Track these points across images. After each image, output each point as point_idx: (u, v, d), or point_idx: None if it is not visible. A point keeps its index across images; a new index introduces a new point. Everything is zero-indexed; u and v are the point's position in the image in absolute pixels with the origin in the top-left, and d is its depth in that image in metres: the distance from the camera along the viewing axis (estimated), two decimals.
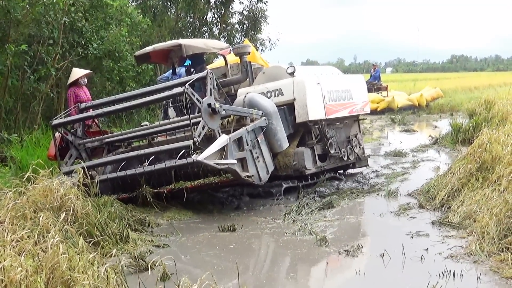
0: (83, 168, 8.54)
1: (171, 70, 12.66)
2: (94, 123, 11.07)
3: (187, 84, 8.75)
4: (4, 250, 5.09)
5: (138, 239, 7.80)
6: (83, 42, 16.82)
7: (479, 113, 18.46)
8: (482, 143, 9.49)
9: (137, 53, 12.68)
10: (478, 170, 9.02)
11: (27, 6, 14.53)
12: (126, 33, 18.28)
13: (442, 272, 6.05)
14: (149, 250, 7.39)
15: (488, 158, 9.01)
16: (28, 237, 5.72)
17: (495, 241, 6.65)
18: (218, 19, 27.29)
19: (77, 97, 11.76)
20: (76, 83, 11.92)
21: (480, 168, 9.05)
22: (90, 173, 8.69)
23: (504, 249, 6.46)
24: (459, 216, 7.98)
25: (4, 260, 4.79)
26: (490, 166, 8.84)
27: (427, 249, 6.94)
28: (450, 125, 17.20)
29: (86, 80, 12.17)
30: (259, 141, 9.51)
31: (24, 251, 5.26)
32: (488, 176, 8.60)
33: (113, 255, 6.30)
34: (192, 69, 11.94)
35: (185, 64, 12.29)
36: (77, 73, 12.13)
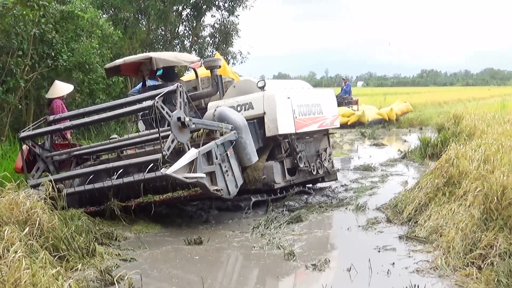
0: (50, 181, 8.47)
1: (141, 83, 12.63)
2: (63, 136, 10.98)
3: (157, 98, 8.73)
4: None
5: (105, 253, 7.71)
6: (53, 54, 16.67)
7: (448, 128, 18.67)
8: (450, 158, 9.57)
9: (108, 65, 12.58)
10: (445, 185, 9.09)
11: None
12: (97, 45, 18.18)
13: (407, 287, 6.08)
14: (116, 264, 7.30)
15: (455, 173, 9.08)
16: None
17: (460, 256, 6.69)
18: (190, 32, 27.26)
19: (63, 109, 11.77)
20: (59, 96, 11.96)
21: (447, 183, 9.12)
22: (57, 186, 8.60)
23: (470, 263, 6.50)
24: (426, 231, 8.03)
25: None
26: (457, 181, 8.90)
27: (394, 263, 6.97)
28: (419, 140, 17.34)
29: (65, 95, 12.22)
30: (229, 155, 9.48)
31: None
32: (455, 191, 8.66)
33: (78, 269, 6.25)
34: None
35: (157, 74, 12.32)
36: (61, 88, 12.13)
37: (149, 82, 12.53)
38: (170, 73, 12.24)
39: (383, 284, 6.33)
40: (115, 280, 6.30)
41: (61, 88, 12.15)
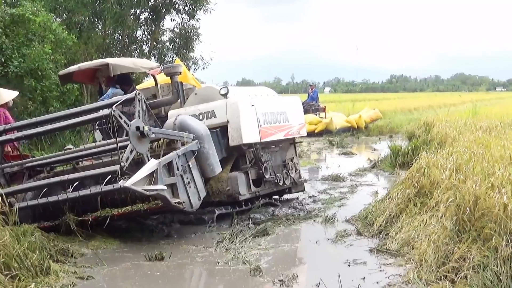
0: (1, 195, 8.37)
1: (111, 87, 12.64)
2: (14, 147, 10.85)
3: (114, 106, 8.68)
4: None
5: (60, 270, 7.61)
6: (3, 60, 16.55)
7: (418, 136, 18.93)
8: (421, 167, 9.67)
9: (61, 72, 12.51)
10: (417, 195, 9.19)
11: None
12: (50, 51, 18.06)
13: None
14: (72, 282, 7.23)
15: (426, 183, 9.18)
16: None
17: (433, 269, 6.73)
18: (148, 37, 27.27)
19: (7, 118, 11.57)
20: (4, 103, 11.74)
21: (418, 193, 9.21)
22: (8, 200, 8.56)
23: (443, 277, 6.53)
24: (397, 243, 8.09)
25: None
26: (428, 191, 8.99)
27: (364, 278, 7.01)
28: (389, 148, 17.51)
29: (9, 102, 11.98)
30: (191, 166, 9.47)
31: None
32: (426, 202, 8.75)
33: None
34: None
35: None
36: (9, 94, 11.93)
37: (110, 91, 12.50)
38: (127, 81, 12.18)
39: None
40: None
41: (2, 95, 11.94)
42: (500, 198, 6.76)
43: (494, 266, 6.26)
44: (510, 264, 6.19)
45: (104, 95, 12.28)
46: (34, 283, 6.62)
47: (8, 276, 6.73)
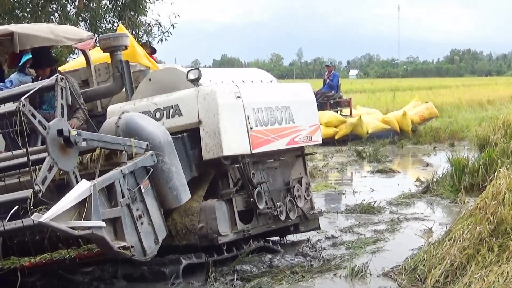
0: None
1: (18, 72, 12.71)
2: None
3: (23, 98, 8.66)
4: None
5: None
6: None
7: (495, 143, 18.94)
8: (499, 192, 9.69)
9: None
10: (492, 235, 9.22)
11: None
12: None
13: None
14: None
15: (507, 215, 9.21)
16: None
17: None
18: None
19: None
20: None
21: (495, 231, 9.24)
22: None
23: None
24: None
25: None
26: (510, 229, 9.04)
27: None
28: (450, 163, 17.54)
29: None
30: (143, 191, 9.47)
31: None
32: (508, 244, 8.79)
33: None
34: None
35: (21, 64, 12.28)
36: None
37: (14, 76, 12.51)
38: (44, 59, 12.19)
39: None
40: None
41: None
42: None
43: None
44: None
45: (5, 82, 12.33)
46: None
47: None
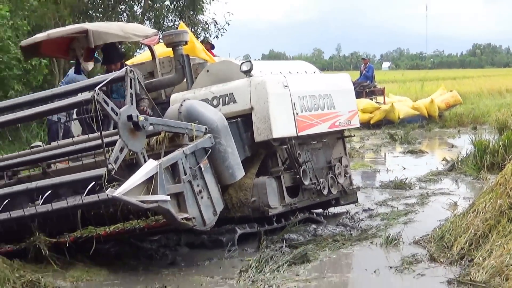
0: None
1: (74, 68, 12.71)
2: None
3: (97, 88, 8.69)
4: None
5: None
6: None
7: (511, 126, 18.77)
8: None
9: (24, 42, 12.59)
10: (511, 207, 9.16)
11: None
12: (8, 13, 18.22)
13: None
14: None
15: None
16: None
17: None
18: None
19: None
20: None
21: None
22: None
23: None
24: (486, 272, 8.05)
25: None
26: None
27: None
28: (473, 144, 17.41)
29: None
30: (202, 169, 9.48)
31: None
32: None
33: None
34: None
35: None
36: None
37: (71, 75, 12.64)
38: (114, 54, 12.24)
39: None
40: None
41: None
42: None
43: None
44: None
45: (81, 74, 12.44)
46: None
47: None
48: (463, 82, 52.95)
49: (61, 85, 13.21)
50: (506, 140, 16.29)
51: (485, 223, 9.24)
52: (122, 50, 13.29)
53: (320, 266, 9.32)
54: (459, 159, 17.43)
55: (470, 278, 8.09)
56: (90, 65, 13.45)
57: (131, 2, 27.18)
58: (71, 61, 13.00)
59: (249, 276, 8.87)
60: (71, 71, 13.30)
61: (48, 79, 20.02)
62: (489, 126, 25.30)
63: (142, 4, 27.17)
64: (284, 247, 10.16)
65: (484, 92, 43.09)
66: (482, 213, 9.47)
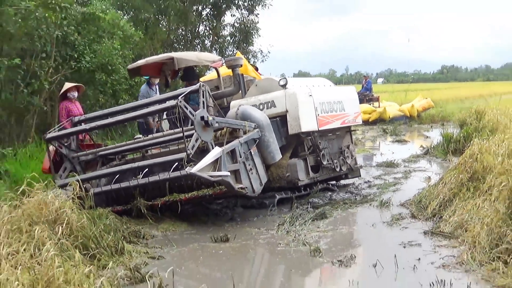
0: (77, 181, 8.52)
1: (146, 83, 12.97)
2: (88, 136, 11.06)
3: (180, 97, 8.75)
4: (1, 264, 5.12)
5: (133, 251, 7.74)
6: (75, 56, 16.85)
7: (470, 123, 18.55)
8: (473, 153, 9.48)
9: (130, 66, 12.68)
10: (469, 180, 9.02)
11: (20, 20, 14.52)
12: (119, 46, 18.32)
13: (433, 282, 6.08)
14: (144, 262, 7.36)
15: (479, 168, 9.01)
16: (23, 250, 5.74)
17: (486, 251, 6.65)
18: (210, 32, 27.38)
19: (69, 111, 11.75)
20: (66, 96, 11.91)
21: (471, 178, 9.05)
22: (84, 186, 8.67)
23: (496, 258, 6.45)
24: (451, 226, 7.99)
25: (0, 274, 4.81)
26: (481, 176, 8.83)
27: (419, 259, 6.97)
28: (441, 135, 17.22)
29: (75, 94, 12.11)
30: (252, 153, 9.49)
31: (20, 264, 5.27)
32: (479, 186, 8.58)
33: (109, 267, 6.31)
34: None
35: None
36: (66, 86, 12.12)
37: (144, 88, 12.75)
38: (191, 73, 12.29)
39: (410, 280, 6.33)
40: (146, 278, 6.35)
41: (65, 87, 12.15)
42: None
43: None
44: None
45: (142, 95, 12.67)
46: (111, 262, 6.75)
47: (87, 256, 6.91)
48: (434, 92, 52.21)
49: (139, 94, 13.44)
50: (465, 133, 16.10)
51: (450, 191, 9.15)
52: (197, 71, 13.24)
53: (334, 221, 9.30)
54: (432, 146, 17.21)
55: (440, 230, 8.04)
56: (156, 80, 13.50)
57: (203, 38, 27.22)
58: (145, 77, 13.09)
59: (284, 228, 8.89)
60: (144, 85, 13.42)
61: None
62: (453, 123, 24.88)
63: (211, 39, 27.18)
64: (309, 208, 10.16)
65: (449, 99, 42.67)
66: (448, 184, 9.38)
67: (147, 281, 6.31)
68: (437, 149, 16.64)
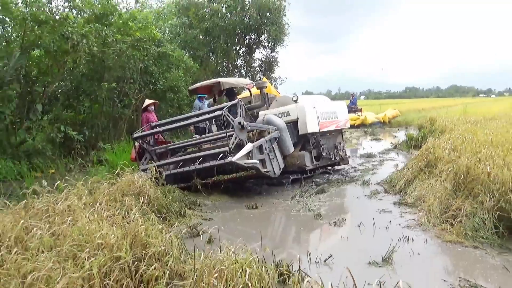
0: (154, 166, 8.65)
1: (197, 99, 13.01)
2: (161, 136, 11.12)
3: (224, 109, 8.77)
4: (102, 223, 5.16)
5: (192, 214, 7.79)
6: (153, 81, 16.97)
7: (425, 127, 18.35)
8: (428, 148, 9.41)
9: (190, 87, 12.72)
10: (426, 167, 8.93)
11: (116, 57, 14.69)
12: (182, 74, 18.41)
13: (400, 237, 6.04)
14: (200, 222, 7.39)
15: (432, 158, 8.92)
16: (117, 213, 5.79)
17: (438, 216, 6.62)
18: (244, 64, 27.33)
19: (148, 119, 11.83)
20: (146, 109, 12.01)
21: (427, 165, 8.96)
22: (159, 170, 8.77)
23: (444, 221, 6.43)
24: (412, 198, 7.91)
25: (102, 230, 4.85)
26: (434, 163, 8.75)
27: (390, 221, 6.91)
28: (405, 135, 17.07)
29: (153, 107, 12.19)
30: (274, 148, 9.47)
31: (115, 223, 5.32)
32: (432, 171, 8.50)
33: (175, 225, 6.34)
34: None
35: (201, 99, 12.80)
36: (146, 102, 12.20)
37: (197, 102, 12.70)
38: (231, 92, 12.29)
39: (383, 236, 6.28)
40: (200, 233, 6.39)
41: (144, 103, 12.20)
42: (484, 168, 6.62)
43: (480, 214, 6.12)
44: (492, 213, 6.03)
45: (196, 106, 12.65)
46: (177, 222, 6.78)
47: (160, 218, 6.96)
48: (400, 105, 51.58)
49: (193, 106, 13.36)
50: (422, 134, 16.00)
51: (412, 174, 9.06)
52: (236, 91, 13.22)
53: (330, 194, 9.22)
54: (399, 143, 17.01)
55: (405, 201, 7.95)
56: (207, 98, 13.41)
57: (240, 68, 27.17)
58: (199, 95, 13.07)
59: (296, 199, 8.86)
60: (196, 100, 13.36)
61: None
62: (414, 127, 24.63)
63: (245, 69, 27.16)
64: (312, 185, 10.10)
65: (411, 110, 41.99)
66: (411, 169, 9.29)
67: (201, 235, 6.34)
68: (402, 145, 16.46)
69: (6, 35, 12.44)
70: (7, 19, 12.08)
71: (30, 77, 12.62)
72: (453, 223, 6.26)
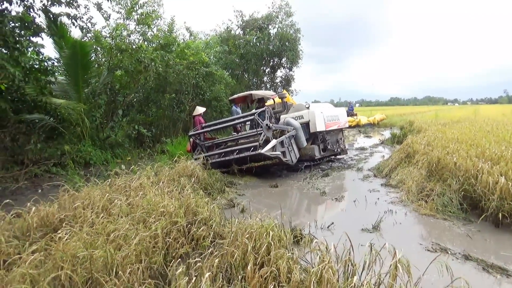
0: (203, 157, 8.66)
1: (234, 106, 12.78)
2: (208, 134, 11.13)
3: (255, 114, 8.70)
4: (164, 196, 5.20)
5: (229, 191, 7.78)
6: (202, 93, 17.00)
7: (406, 127, 17.95)
8: (408, 143, 9.22)
9: (230, 98, 12.68)
10: (406, 157, 8.74)
11: (175, 75, 14.80)
12: (223, 88, 18.41)
13: (386, 211, 5.91)
14: (235, 196, 7.36)
15: (411, 151, 8.72)
16: (175, 189, 5.83)
17: (415, 195, 6.46)
18: (269, 80, 27.17)
19: (199, 121, 11.87)
20: (197, 114, 12.04)
21: (407, 156, 8.76)
22: (206, 158, 8.77)
23: (420, 199, 6.27)
24: (395, 181, 7.73)
25: (164, 201, 4.89)
26: (412, 155, 8.54)
27: (378, 198, 6.77)
28: (390, 134, 16.73)
29: (202, 113, 12.21)
30: (292, 142, 9.37)
31: (174, 197, 5.35)
32: (411, 160, 8.30)
33: (217, 199, 6.35)
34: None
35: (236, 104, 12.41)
36: (199, 109, 12.24)
37: (234, 108, 12.61)
38: (261, 101, 12.20)
39: (373, 209, 6.16)
40: (235, 205, 6.38)
41: (198, 110, 12.22)
42: (451, 159, 6.42)
43: (449, 194, 5.95)
44: (458, 193, 5.86)
45: (233, 111, 12.50)
46: (218, 196, 6.79)
47: (207, 193, 6.97)
48: (387, 111, 50.55)
49: (231, 111, 13.25)
50: (403, 132, 15.69)
51: (395, 163, 8.87)
52: (264, 100, 13.14)
53: (333, 178, 9.08)
54: (385, 139, 16.71)
55: (389, 183, 7.76)
56: (239, 106, 13.15)
57: (266, 83, 27.00)
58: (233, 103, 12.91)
59: (307, 181, 8.74)
60: (233, 107, 13.19)
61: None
62: (397, 127, 24.11)
63: (270, 84, 26.99)
64: (319, 170, 9.95)
65: (394, 115, 41.11)
66: (394, 159, 9.11)
67: (236, 206, 6.32)
68: (388, 141, 16.13)
69: (98, 60, 12.70)
70: (99, 48, 12.46)
71: (114, 90, 12.94)
72: (427, 200, 6.10)
